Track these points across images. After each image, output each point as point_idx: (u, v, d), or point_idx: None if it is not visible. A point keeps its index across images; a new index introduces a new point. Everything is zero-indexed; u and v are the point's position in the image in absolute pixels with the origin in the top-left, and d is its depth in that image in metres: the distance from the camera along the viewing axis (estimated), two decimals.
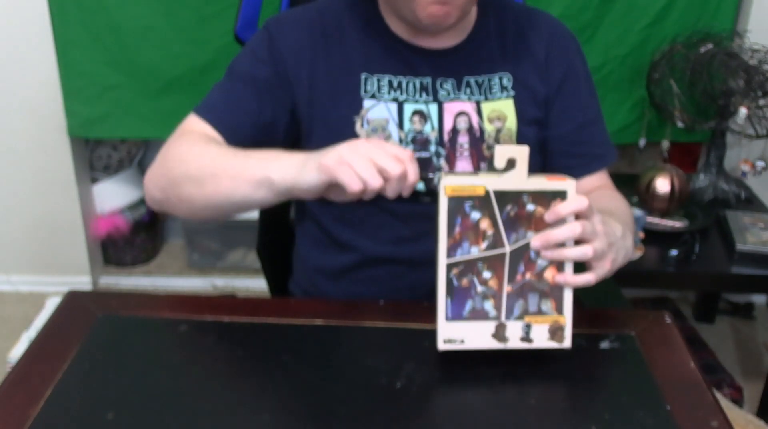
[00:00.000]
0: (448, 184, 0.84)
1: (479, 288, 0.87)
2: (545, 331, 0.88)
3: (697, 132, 2.07)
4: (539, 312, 0.88)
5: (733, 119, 1.96)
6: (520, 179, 0.84)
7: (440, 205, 0.84)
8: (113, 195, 2.42)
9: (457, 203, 0.84)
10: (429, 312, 0.90)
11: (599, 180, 1.14)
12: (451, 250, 0.85)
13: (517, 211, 0.84)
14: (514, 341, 0.88)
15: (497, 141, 1.07)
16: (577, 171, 1.10)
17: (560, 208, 0.84)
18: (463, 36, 1.08)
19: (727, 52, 1.93)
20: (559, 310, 0.88)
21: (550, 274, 0.87)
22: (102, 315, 0.97)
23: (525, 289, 0.87)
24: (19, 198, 2.33)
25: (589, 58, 2.05)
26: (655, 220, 1.83)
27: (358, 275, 1.11)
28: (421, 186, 1.04)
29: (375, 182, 0.84)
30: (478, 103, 1.07)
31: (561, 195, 0.84)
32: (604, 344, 0.93)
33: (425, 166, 1.05)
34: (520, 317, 0.88)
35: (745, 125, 1.94)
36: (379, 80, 1.05)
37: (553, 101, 1.10)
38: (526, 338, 0.88)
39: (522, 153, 0.83)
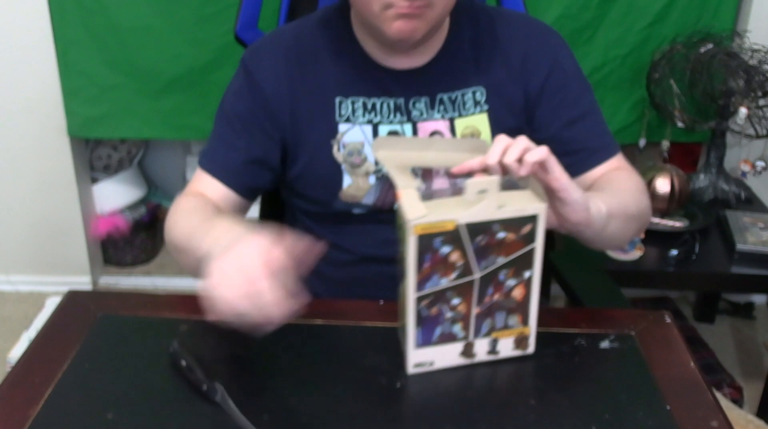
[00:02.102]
0: (418, 224, 0.80)
1: (448, 314, 0.86)
2: (510, 342, 0.89)
3: (697, 132, 2.07)
4: (506, 327, 0.88)
5: (733, 119, 1.96)
6: (491, 209, 0.81)
7: (408, 244, 0.81)
8: (113, 195, 2.42)
9: (426, 240, 0.81)
10: None
11: (606, 169, 1.10)
12: (420, 285, 0.83)
13: (487, 240, 0.82)
14: (481, 356, 0.89)
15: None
16: (573, 169, 1.07)
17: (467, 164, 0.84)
18: (435, 51, 1.06)
19: (727, 52, 1.93)
20: (525, 322, 0.89)
21: (518, 293, 0.87)
22: (102, 315, 0.97)
23: (493, 308, 0.87)
24: (19, 198, 2.33)
25: (589, 58, 2.08)
26: (655, 220, 1.83)
27: (348, 274, 1.12)
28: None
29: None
30: (451, 120, 1.06)
31: (532, 220, 0.83)
32: (604, 344, 0.93)
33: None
34: (487, 334, 0.88)
35: (745, 125, 1.94)
36: (353, 103, 1.05)
37: (537, 104, 1.08)
38: (492, 351, 0.89)
39: (492, 184, 0.80)
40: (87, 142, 2.40)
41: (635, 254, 1.72)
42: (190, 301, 1.02)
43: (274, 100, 1.05)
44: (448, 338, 0.87)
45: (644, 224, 1.06)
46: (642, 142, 2.12)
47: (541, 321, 0.96)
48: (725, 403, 1.57)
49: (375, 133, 1.05)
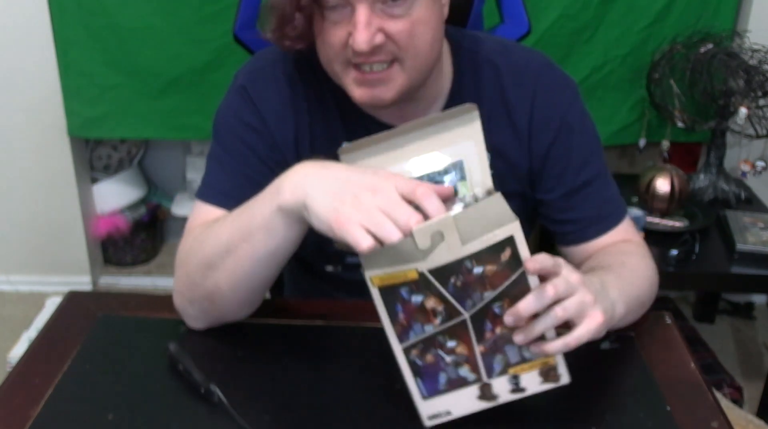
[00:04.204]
0: (374, 276, 0.72)
1: (448, 358, 0.77)
2: (536, 375, 0.78)
3: (697, 132, 2.07)
4: (523, 360, 0.78)
5: (733, 119, 1.96)
6: (454, 248, 0.71)
7: (372, 296, 0.73)
8: (113, 195, 2.42)
9: (391, 292, 0.73)
10: None
11: (611, 240, 1.01)
12: (402, 336, 0.76)
13: (464, 279, 0.72)
14: (505, 396, 0.79)
15: None
16: (572, 238, 1.02)
17: (531, 264, 0.72)
18: (437, 106, 0.98)
19: (727, 52, 1.93)
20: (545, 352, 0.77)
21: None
22: (102, 315, 0.97)
23: (499, 343, 0.77)
24: (19, 198, 2.33)
25: (589, 58, 2.08)
26: (655, 220, 1.83)
27: (341, 278, 1.09)
28: None
29: (392, 236, 0.69)
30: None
31: (508, 242, 0.71)
32: (604, 344, 0.93)
33: None
34: (503, 372, 0.78)
35: (745, 125, 1.94)
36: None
37: (541, 169, 1.00)
38: (517, 389, 0.79)
39: (445, 223, 0.70)
40: (87, 142, 2.40)
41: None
42: None
43: (280, 131, 0.97)
44: (458, 384, 0.78)
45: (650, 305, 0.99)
46: (642, 142, 2.12)
47: None
48: (725, 403, 1.57)
49: None
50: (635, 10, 2.03)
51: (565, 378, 0.79)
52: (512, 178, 1.01)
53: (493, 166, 0.94)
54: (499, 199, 0.73)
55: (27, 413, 0.80)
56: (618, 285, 0.87)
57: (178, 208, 2.45)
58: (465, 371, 0.78)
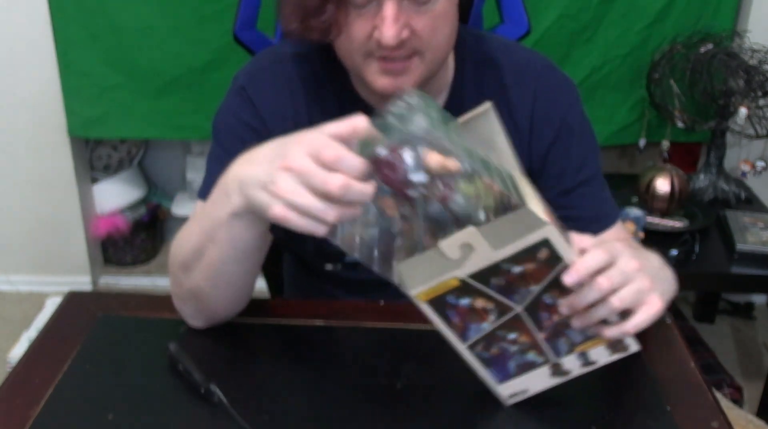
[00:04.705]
0: (420, 292, 0.73)
1: (513, 348, 0.79)
2: (604, 349, 0.79)
3: (697, 132, 2.07)
4: (587, 339, 0.78)
5: (733, 119, 1.96)
6: (487, 254, 0.71)
7: (424, 311, 0.75)
8: (113, 195, 2.42)
9: (439, 302, 0.75)
10: None
11: (609, 238, 1.00)
12: (463, 337, 0.78)
13: (505, 279, 0.73)
14: (578, 370, 0.81)
15: None
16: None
17: (568, 279, 0.71)
18: (438, 100, 0.99)
19: (727, 52, 1.93)
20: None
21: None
22: (102, 315, 0.97)
23: (560, 328, 0.77)
24: (19, 198, 2.33)
25: (589, 58, 2.08)
26: (655, 220, 1.83)
27: (341, 276, 1.10)
28: None
29: (318, 229, 0.69)
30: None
31: (543, 244, 0.70)
32: None
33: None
34: (570, 351, 0.79)
35: (745, 125, 1.94)
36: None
37: (540, 169, 1.01)
38: (588, 363, 0.80)
39: (472, 235, 0.70)
40: (87, 142, 2.40)
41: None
42: None
43: (279, 131, 0.92)
44: (528, 367, 0.80)
45: None
46: (642, 142, 2.12)
47: None
48: (725, 403, 1.57)
49: None
50: (635, 10, 2.03)
51: (633, 346, 0.79)
52: None
53: None
54: (526, 209, 0.71)
55: (27, 413, 0.80)
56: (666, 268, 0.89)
57: (178, 208, 2.45)
58: (533, 356, 0.80)
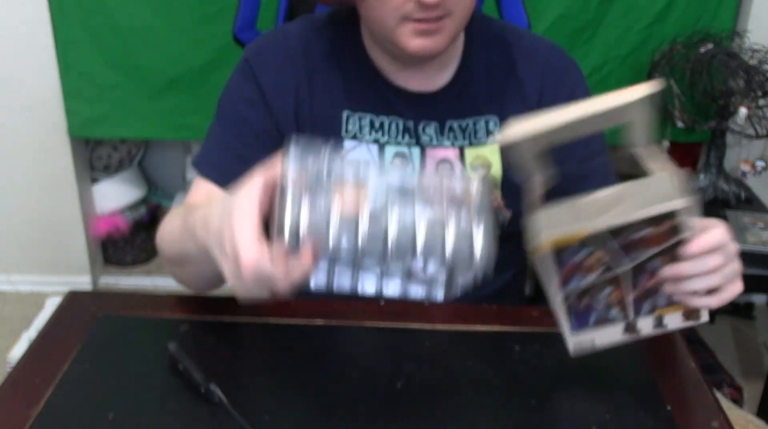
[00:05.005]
0: (552, 239, 0.78)
1: (601, 303, 0.83)
2: (679, 315, 0.83)
3: (697, 132, 2.07)
4: (670, 304, 0.82)
5: (733, 119, 1.96)
6: (627, 213, 0.76)
7: (541, 258, 0.80)
8: (113, 195, 2.42)
9: (560, 251, 0.80)
10: (429, 312, 0.89)
11: None
12: (563, 286, 0.82)
13: (629, 239, 0.78)
14: (647, 330, 0.84)
15: None
16: None
17: (690, 250, 0.77)
18: (447, 75, 1.02)
19: (727, 52, 1.93)
20: None
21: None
22: (102, 315, 0.97)
23: (651, 291, 0.82)
24: (19, 198, 2.33)
25: (589, 58, 2.08)
26: None
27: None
28: None
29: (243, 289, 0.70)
30: (461, 149, 1.02)
31: (674, 214, 0.76)
32: None
33: None
34: (650, 313, 0.83)
35: (745, 125, 1.94)
36: (360, 119, 1.00)
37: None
38: (660, 325, 0.84)
39: (622, 191, 0.76)
40: (87, 142, 2.40)
41: None
42: (190, 301, 1.02)
43: (280, 107, 1.00)
44: (606, 322, 0.84)
45: None
46: None
47: (542, 321, 0.96)
48: (725, 403, 1.57)
49: (381, 153, 1.00)
50: (635, 10, 2.03)
51: (705, 316, 0.83)
52: None
53: None
54: (666, 176, 0.76)
55: (27, 413, 0.80)
56: None
57: None
58: (615, 312, 0.83)
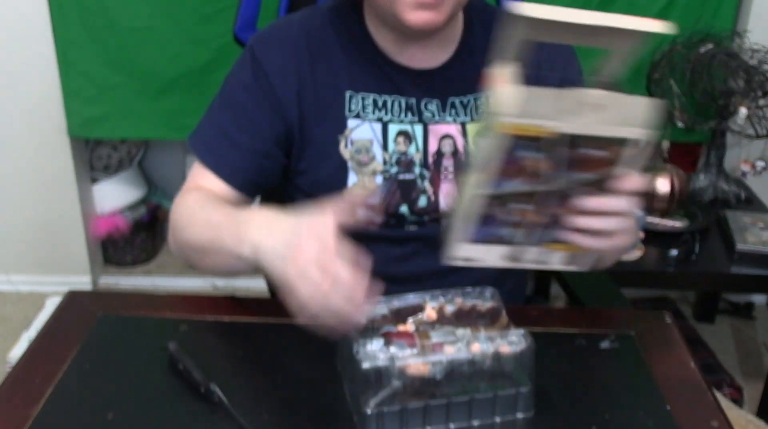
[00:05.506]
0: (510, 123, 0.71)
1: (513, 219, 0.79)
2: (563, 256, 0.83)
3: (697, 132, 2.07)
4: (559, 242, 0.82)
5: (733, 119, 1.96)
6: (594, 123, 0.72)
7: (491, 140, 0.73)
8: (113, 195, 2.42)
9: (514, 143, 0.73)
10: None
11: None
12: (491, 184, 0.76)
13: (576, 155, 0.74)
14: (528, 263, 0.83)
15: None
16: None
17: (628, 184, 0.79)
18: (448, 53, 1.05)
19: (727, 52, 1.93)
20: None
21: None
22: (102, 315, 0.97)
23: (557, 220, 0.80)
24: (19, 198, 2.33)
25: (590, 58, 2.07)
26: (655, 220, 1.83)
27: None
28: (405, 209, 1.02)
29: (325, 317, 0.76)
30: (463, 125, 1.04)
31: (632, 144, 0.73)
32: (604, 344, 0.93)
33: (410, 187, 1.03)
34: (542, 243, 0.81)
35: (745, 125, 1.94)
36: (363, 99, 1.03)
37: None
38: (541, 262, 0.83)
39: (604, 98, 0.72)
40: (87, 142, 2.40)
41: (635, 254, 1.72)
42: (190, 301, 1.02)
43: (282, 91, 1.02)
44: (501, 241, 0.81)
45: None
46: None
47: (541, 321, 0.96)
48: (725, 403, 1.57)
49: (384, 132, 1.03)
50: (635, 10, 2.03)
51: (585, 267, 0.84)
52: None
53: None
54: (647, 103, 0.74)
55: (27, 413, 0.80)
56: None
57: None
58: (511, 232, 0.81)
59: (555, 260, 0.83)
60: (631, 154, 0.75)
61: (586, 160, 0.75)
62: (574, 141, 0.73)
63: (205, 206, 0.97)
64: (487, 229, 0.80)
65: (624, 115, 0.73)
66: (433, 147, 1.04)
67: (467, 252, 0.82)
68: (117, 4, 2.02)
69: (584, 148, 0.74)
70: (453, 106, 1.04)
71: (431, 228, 1.03)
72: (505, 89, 0.72)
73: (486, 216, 0.79)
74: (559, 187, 0.77)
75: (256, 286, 2.43)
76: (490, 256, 0.83)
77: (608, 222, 0.81)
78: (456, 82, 1.04)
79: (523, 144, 0.73)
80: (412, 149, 1.03)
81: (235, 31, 1.42)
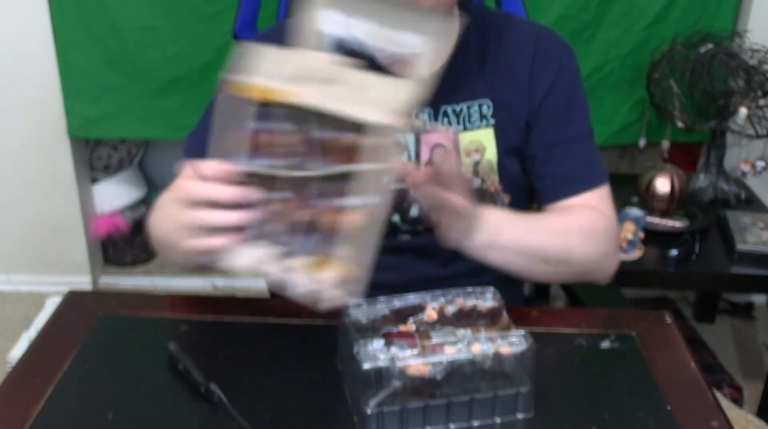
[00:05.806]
0: (261, 86, 0.64)
1: (273, 207, 0.71)
2: (333, 277, 0.70)
3: (697, 132, 2.07)
4: (325, 254, 0.70)
5: (733, 119, 1.96)
6: (340, 98, 0.63)
7: (237, 102, 0.66)
8: (113, 195, 2.42)
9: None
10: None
11: (582, 202, 1.02)
12: (249, 156, 0.68)
13: (329, 136, 0.65)
14: (298, 287, 0.72)
15: (476, 174, 1.03)
16: (544, 196, 1.04)
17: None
18: (441, 61, 1.00)
19: (727, 52, 1.93)
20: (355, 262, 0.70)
21: (353, 219, 0.68)
22: (102, 315, 0.97)
23: (313, 224, 0.70)
24: (19, 198, 2.33)
25: (589, 58, 2.08)
26: (655, 220, 1.83)
27: None
28: (397, 218, 1.02)
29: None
30: (456, 134, 1.03)
31: (358, 128, 0.63)
32: (604, 344, 0.93)
33: (402, 197, 1.01)
34: (303, 255, 0.71)
35: (745, 125, 1.94)
36: None
37: (534, 122, 1.04)
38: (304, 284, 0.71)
39: (354, 73, 0.64)
40: (87, 142, 2.40)
41: (635, 254, 1.72)
42: (190, 301, 1.02)
43: None
44: (266, 237, 0.72)
45: (580, 272, 1.00)
46: (642, 142, 2.12)
47: (541, 321, 0.96)
48: (725, 403, 1.57)
49: None
50: (635, 10, 2.03)
51: (355, 297, 0.71)
52: (514, 130, 1.04)
53: (497, 117, 1.03)
54: (412, 87, 0.64)
55: (27, 412, 0.80)
56: (511, 226, 0.93)
57: None
58: (281, 229, 0.71)
59: (315, 282, 0.70)
60: (374, 144, 0.62)
61: (333, 146, 0.65)
62: (321, 121, 0.64)
63: (173, 203, 0.94)
64: (254, 219, 0.71)
65: (372, 98, 0.63)
66: (425, 157, 1.02)
67: (248, 259, 0.73)
68: (117, 4, 2.02)
69: (331, 131, 0.64)
70: (445, 114, 1.03)
71: (425, 238, 1.02)
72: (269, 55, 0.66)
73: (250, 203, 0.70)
74: (314, 176, 0.67)
75: (256, 286, 2.44)
76: (259, 258, 0.72)
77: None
78: (448, 90, 1.02)
79: (269, 113, 0.65)
80: (403, 159, 1.02)
81: (234, 31, 1.42)
